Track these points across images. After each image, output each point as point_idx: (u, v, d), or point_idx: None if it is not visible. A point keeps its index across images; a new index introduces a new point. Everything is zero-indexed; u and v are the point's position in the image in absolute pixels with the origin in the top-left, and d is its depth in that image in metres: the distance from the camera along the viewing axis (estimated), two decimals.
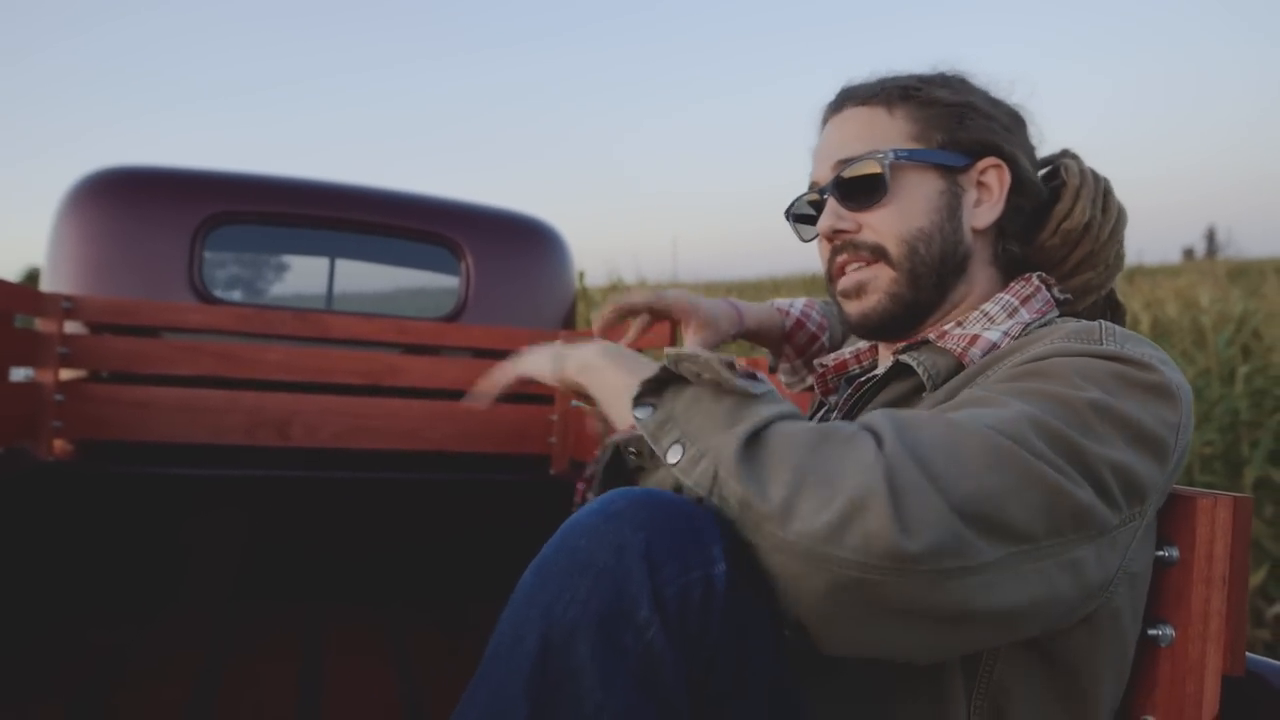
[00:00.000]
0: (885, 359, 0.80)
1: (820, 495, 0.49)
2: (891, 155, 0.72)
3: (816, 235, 0.77)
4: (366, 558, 2.27)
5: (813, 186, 0.78)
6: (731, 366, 0.57)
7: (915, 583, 0.48)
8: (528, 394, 2.45)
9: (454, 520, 2.31)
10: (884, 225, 0.73)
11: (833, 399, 0.86)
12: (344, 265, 2.63)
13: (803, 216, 0.82)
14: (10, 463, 1.92)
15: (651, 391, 0.59)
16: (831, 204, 0.75)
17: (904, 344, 0.73)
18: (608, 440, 0.73)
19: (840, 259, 0.76)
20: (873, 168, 0.72)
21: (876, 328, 0.76)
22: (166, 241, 2.19)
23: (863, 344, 0.87)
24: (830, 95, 0.79)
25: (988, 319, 0.72)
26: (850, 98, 0.77)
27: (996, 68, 0.76)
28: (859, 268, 0.75)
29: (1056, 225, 0.76)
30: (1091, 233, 0.75)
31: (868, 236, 0.74)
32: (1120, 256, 0.78)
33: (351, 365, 2.28)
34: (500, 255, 2.49)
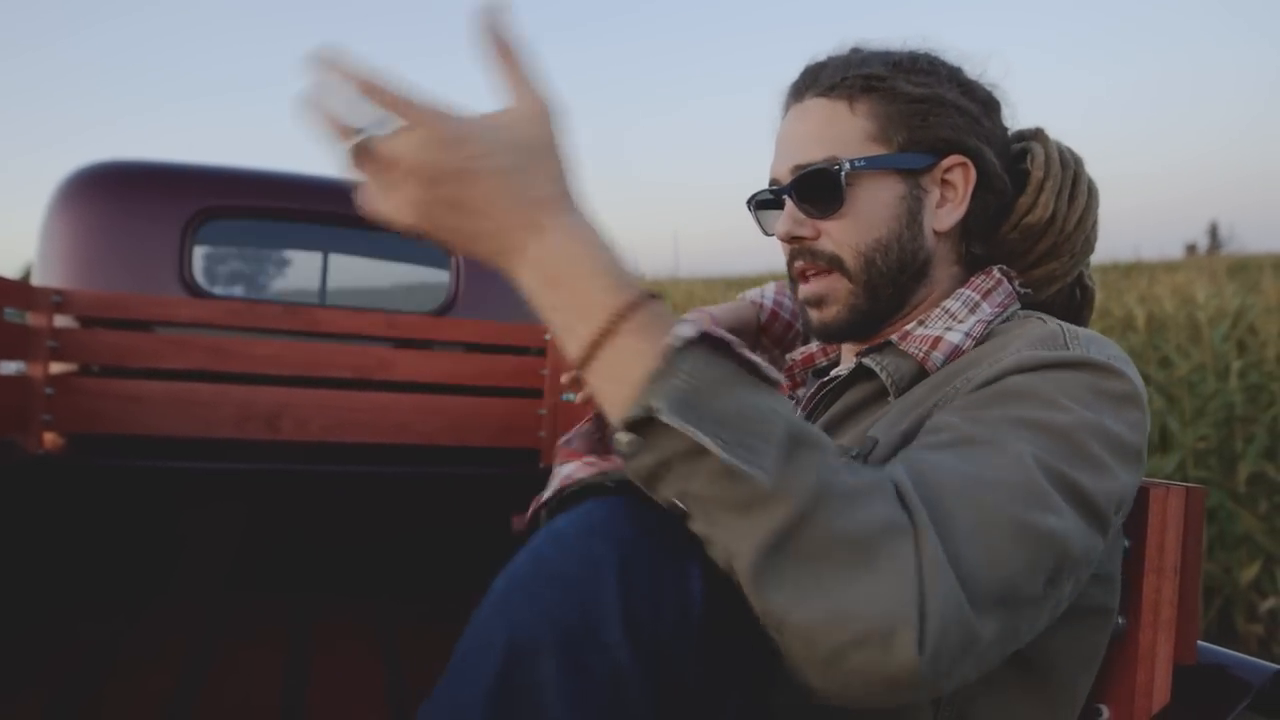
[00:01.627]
0: (848, 358, 0.79)
1: (849, 629, 0.45)
2: (848, 166, 0.69)
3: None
4: (355, 550, 2.28)
5: (773, 182, 0.76)
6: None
7: (925, 686, 0.47)
8: (517, 388, 2.46)
9: (443, 513, 2.32)
10: (841, 235, 0.71)
11: (800, 392, 0.85)
12: (334, 259, 2.64)
13: (765, 203, 0.78)
14: (0, 455, 1.93)
15: (638, 426, 0.47)
16: (790, 208, 0.72)
17: (866, 345, 0.72)
18: (576, 480, 0.64)
19: (799, 264, 0.74)
20: (829, 177, 0.69)
21: (837, 335, 0.75)
22: (156, 236, 2.19)
23: None
24: (794, 75, 0.75)
25: (950, 316, 0.70)
26: (813, 85, 0.73)
27: (971, 44, 0.74)
28: (817, 276, 0.73)
29: (1018, 220, 0.73)
30: (1055, 225, 0.73)
31: (825, 245, 0.72)
32: (1090, 242, 0.75)
33: (341, 359, 2.29)
34: None
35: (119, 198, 2.21)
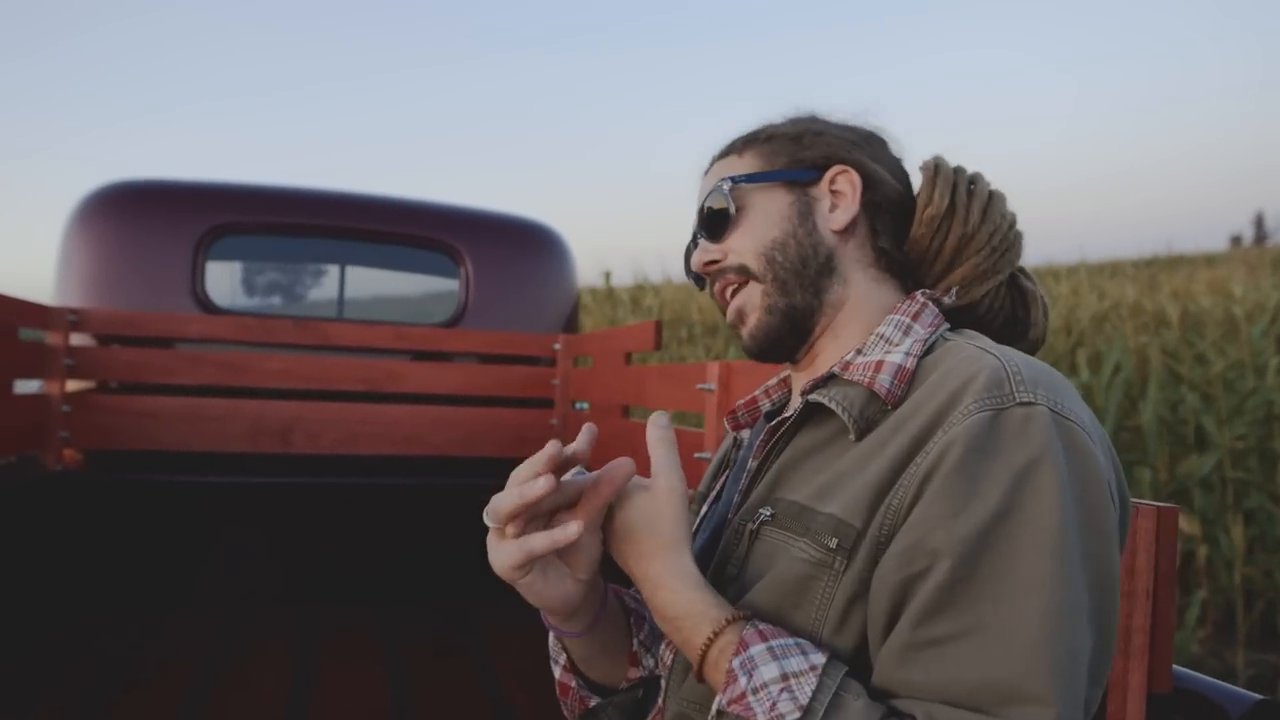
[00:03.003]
0: (796, 399, 0.79)
1: None
2: (729, 182, 0.78)
3: (705, 282, 0.83)
4: (368, 562, 2.30)
5: (692, 239, 0.85)
6: None
7: None
8: (528, 398, 2.46)
9: (455, 525, 2.33)
10: (741, 245, 0.77)
11: (745, 434, 0.87)
12: (346, 272, 2.66)
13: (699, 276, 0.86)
14: (21, 471, 1.97)
15: None
16: (700, 243, 0.81)
17: (810, 383, 0.72)
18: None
19: (718, 287, 0.80)
20: (720, 200, 0.78)
21: (768, 347, 0.77)
22: (169, 253, 2.23)
23: (771, 380, 0.88)
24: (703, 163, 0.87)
25: (885, 341, 0.72)
26: (713, 159, 0.84)
27: (853, 105, 0.82)
28: (734, 291, 0.79)
29: (920, 213, 0.78)
30: (958, 215, 0.77)
31: (732, 260, 0.78)
32: (1008, 239, 0.77)
33: (352, 372, 2.30)
34: (499, 259, 2.50)
35: (133, 216, 2.25)
